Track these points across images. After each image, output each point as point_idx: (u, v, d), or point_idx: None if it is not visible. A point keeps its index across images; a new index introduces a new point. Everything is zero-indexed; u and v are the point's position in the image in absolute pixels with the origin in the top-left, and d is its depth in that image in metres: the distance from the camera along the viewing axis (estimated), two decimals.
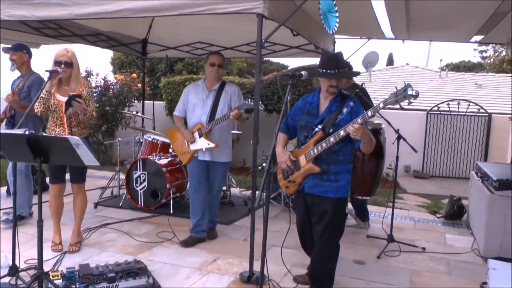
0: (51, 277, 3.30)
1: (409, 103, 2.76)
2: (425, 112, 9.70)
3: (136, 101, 9.89)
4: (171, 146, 6.06)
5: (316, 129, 3.26)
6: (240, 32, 5.83)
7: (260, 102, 4.05)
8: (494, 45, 20.54)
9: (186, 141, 4.66)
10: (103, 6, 3.89)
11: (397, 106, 2.82)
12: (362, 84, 5.11)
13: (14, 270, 3.47)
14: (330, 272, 3.41)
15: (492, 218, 4.50)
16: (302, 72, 3.46)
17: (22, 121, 3.53)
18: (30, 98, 4.84)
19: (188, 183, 5.78)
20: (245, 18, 3.77)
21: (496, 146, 9.30)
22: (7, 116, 5.03)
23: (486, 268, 3.62)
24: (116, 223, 5.22)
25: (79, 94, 4.02)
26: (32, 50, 5.19)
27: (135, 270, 3.58)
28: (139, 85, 9.63)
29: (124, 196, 6.01)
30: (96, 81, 9.55)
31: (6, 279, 3.48)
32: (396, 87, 2.78)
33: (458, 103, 9.64)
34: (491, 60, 23.20)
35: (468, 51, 74.64)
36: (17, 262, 3.53)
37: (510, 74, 15.85)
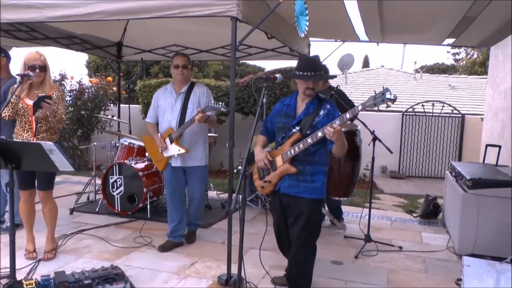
0: (24, 285, 3.24)
1: (387, 106, 2.81)
2: (401, 113, 9.85)
3: (111, 105, 9.79)
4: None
5: (294, 130, 3.30)
6: (215, 35, 5.83)
7: (223, 103, 4.03)
8: (466, 48, 20.98)
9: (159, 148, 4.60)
10: (76, 9, 3.82)
11: (374, 108, 2.86)
12: (337, 86, 5.16)
13: None
14: (308, 273, 3.43)
15: (466, 216, 4.59)
16: (277, 75, 3.49)
17: None
18: None
19: (164, 187, 5.75)
20: (220, 20, 3.77)
21: (470, 146, 9.51)
22: None
23: (461, 265, 3.69)
24: (92, 229, 5.14)
25: (49, 96, 3.89)
26: None
27: (112, 276, 3.54)
28: (115, 88, 9.53)
29: (100, 201, 5.93)
30: (71, 85, 9.42)
31: None
32: (374, 91, 2.82)
33: (433, 105, 9.82)
34: (464, 62, 23.68)
35: (442, 54, 76.21)
36: None
37: (481, 76, 16.21)
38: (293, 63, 9.14)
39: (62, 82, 9.24)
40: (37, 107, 3.83)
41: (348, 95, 5.29)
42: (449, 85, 14.79)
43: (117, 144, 6.43)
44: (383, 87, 2.78)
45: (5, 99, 4.74)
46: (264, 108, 5.93)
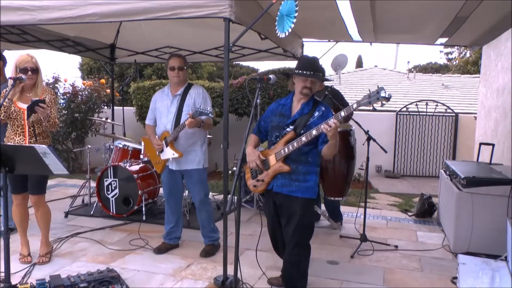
0: None
1: (382, 105, 2.84)
2: (395, 113, 9.89)
3: (105, 107, 9.75)
4: (142, 152, 5.99)
5: (288, 129, 3.32)
6: (208, 36, 5.82)
7: (211, 110, 3.98)
8: (458, 47, 21.09)
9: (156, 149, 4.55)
10: (68, 11, 3.80)
11: (368, 108, 2.88)
12: (331, 86, 5.17)
13: None
14: (303, 273, 3.44)
15: (460, 215, 4.61)
16: (270, 76, 3.51)
17: None
18: None
19: (159, 189, 5.73)
20: (213, 22, 3.76)
21: (464, 145, 9.56)
22: None
23: (456, 263, 3.71)
24: (87, 232, 5.12)
25: (43, 100, 3.85)
26: None
27: (108, 279, 3.53)
28: (108, 90, 9.49)
29: (95, 204, 5.90)
30: (64, 87, 9.36)
31: None
32: (369, 90, 2.84)
33: (426, 104, 9.86)
34: (456, 61, 23.79)
35: (435, 53, 76.56)
36: None
37: (474, 75, 16.30)
38: (286, 63, 9.15)
39: (56, 85, 9.19)
40: (31, 111, 3.79)
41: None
42: (443, 84, 14.86)
43: (112, 147, 6.40)
44: (377, 86, 2.81)
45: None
46: (258, 108, 5.94)
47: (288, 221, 3.35)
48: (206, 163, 4.51)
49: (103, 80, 10.16)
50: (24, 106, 3.93)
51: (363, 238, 4.82)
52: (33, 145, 3.00)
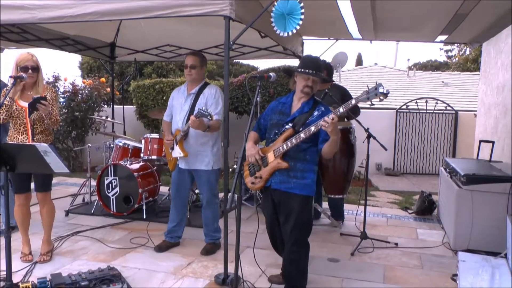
0: None
1: (380, 100, 2.87)
2: (395, 110, 9.89)
3: (105, 106, 9.76)
4: (142, 151, 6.00)
5: (287, 126, 3.34)
6: (208, 34, 5.82)
7: (209, 110, 3.94)
8: (458, 44, 21.07)
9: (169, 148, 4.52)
10: (68, 10, 3.80)
11: (368, 105, 2.91)
12: (339, 84, 5.18)
13: None
14: (303, 271, 3.45)
15: (460, 212, 4.62)
16: (270, 74, 3.53)
17: None
18: None
19: (160, 187, 5.74)
20: (213, 20, 3.76)
21: (463, 142, 9.56)
22: None
23: (456, 261, 3.72)
24: (88, 231, 5.12)
25: (44, 97, 3.84)
26: None
27: (109, 277, 3.53)
28: (108, 89, 9.50)
29: (96, 202, 5.91)
30: (64, 86, 9.37)
31: None
32: (367, 86, 2.87)
33: (426, 101, 9.87)
34: (456, 59, 23.77)
35: (434, 51, 76.43)
36: None
37: (474, 73, 16.29)
38: (286, 61, 9.17)
39: (56, 83, 9.20)
40: (32, 109, 3.78)
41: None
42: (443, 82, 14.85)
43: (112, 145, 6.41)
44: (376, 82, 2.84)
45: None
46: (258, 107, 5.93)
47: (287, 219, 3.36)
48: (216, 165, 4.42)
49: (103, 79, 10.17)
50: (25, 104, 3.92)
51: (364, 235, 4.82)
52: (34, 143, 3.01)
